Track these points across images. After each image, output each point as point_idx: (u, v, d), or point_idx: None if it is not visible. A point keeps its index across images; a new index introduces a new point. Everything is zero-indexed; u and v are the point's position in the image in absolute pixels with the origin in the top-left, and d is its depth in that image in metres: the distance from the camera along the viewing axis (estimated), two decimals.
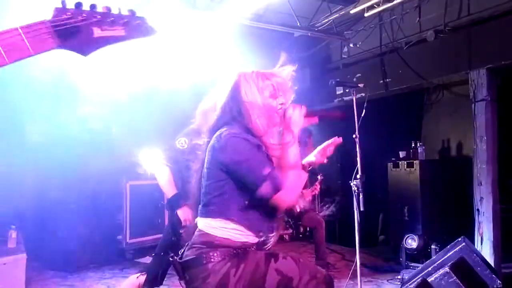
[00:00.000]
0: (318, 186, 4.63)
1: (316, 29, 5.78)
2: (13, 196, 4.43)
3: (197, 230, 1.89)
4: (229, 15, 5.14)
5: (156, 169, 3.28)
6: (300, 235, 6.44)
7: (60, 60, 4.49)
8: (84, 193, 4.89)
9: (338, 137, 2.10)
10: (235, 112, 1.83)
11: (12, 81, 4.48)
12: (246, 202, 1.76)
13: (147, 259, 5.41)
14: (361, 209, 3.12)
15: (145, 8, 4.35)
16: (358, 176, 3.42)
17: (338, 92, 6.09)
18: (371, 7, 5.08)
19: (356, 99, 3.65)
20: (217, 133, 1.82)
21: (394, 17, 5.39)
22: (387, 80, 5.43)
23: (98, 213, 4.95)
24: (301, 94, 6.88)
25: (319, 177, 4.69)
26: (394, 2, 4.81)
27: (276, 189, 1.67)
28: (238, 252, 1.76)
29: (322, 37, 6.11)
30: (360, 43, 5.83)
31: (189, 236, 1.95)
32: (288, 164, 1.75)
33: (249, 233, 1.78)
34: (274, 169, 1.71)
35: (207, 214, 1.83)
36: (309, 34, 5.73)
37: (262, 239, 1.82)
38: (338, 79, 3.74)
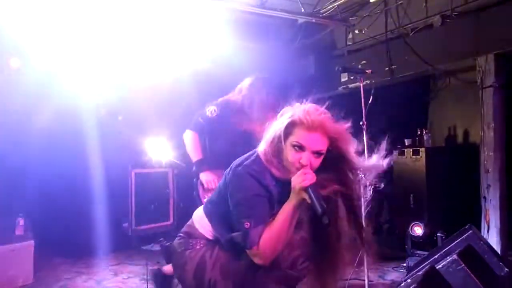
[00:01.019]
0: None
1: (321, 16, 5.71)
2: (20, 184, 4.46)
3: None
4: (231, 1, 5.10)
5: (185, 134, 3.46)
6: None
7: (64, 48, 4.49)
8: (90, 181, 4.90)
9: None
10: (274, 147, 1.82)
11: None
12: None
13: (153, 247, 5.45)
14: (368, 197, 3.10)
15: None
16: None
17: (343, 80, 6.04)
18: None
19: (362, 85, 3.61)
20: (241, 159, 1.88)
21: (400, 2, 5.30)
22: (393, 67, 5.37)
23: (104, 200, 4.97)
24: (306, 82, 6.93)
25: None
26: None
27: (248, 244, 1.69)
28: (214, 240, 1.91)
29: (326, 24, 6.05)
30: (365, 29, 5.75)
31: None
32: (276, 225, 1.71)
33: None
34: (258, 226, 1.70)
35: (204, 209, 1.98)
36: (313, 20, 5.66)
37: None
38: (343, 66, 3.69)
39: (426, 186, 4.74)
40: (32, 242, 3.84)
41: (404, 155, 5.13)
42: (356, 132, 3.52)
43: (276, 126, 1.81)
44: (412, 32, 5.22)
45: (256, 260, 1.71)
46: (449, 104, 5.64)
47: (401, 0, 5.27)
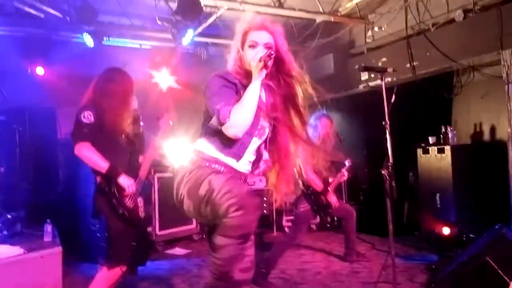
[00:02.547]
0: (346, 173, 4.52)
1: (339, 14, 5.67)
2: (47, 190, 4.54)
3: None
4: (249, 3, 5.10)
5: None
6: (328, 225, 6.40)
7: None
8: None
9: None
10: (237, 59, 2.14)
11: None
12: (217, 128, 2.00)
13: (177, 251, 5.48)
14: (395, 197, 3.05)
15: None
16: (389, 164, 3.35)
17: (363, 78, 5.97)
18: None
19: (384, 84, 3.54)
20: None
21: None
22: (414, 63, 5.28)
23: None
24: (325, 80, 6.86)
25: (346, 163, 4.57)
26: None
27: (219, 122, 1.93)
28: (204, 165, 2.03)
29: (345, 22, 5.99)
30: (385, 26, 5.67)
31: None
32: (243, 100, 1.95)
33: (220, 153, 2.05)
34: (227, 106, 1.92)
35: (199, 136, 2.16)
36: (332, 19, 5.62)
37: (237, 166, 2.08)
38: (363, 64, 3.62)
39: (452, 185, 4.62)
40: (60, 248, 3.89)
41: (428, 153, 5.03)
42: (379, 132, 3.48)
43: (234, 43, 2.14)
44: (433, 28, 5.13)
45: (230, 132, 1.93)
46: (474, 100, 5.50)
47: None
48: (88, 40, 5.44)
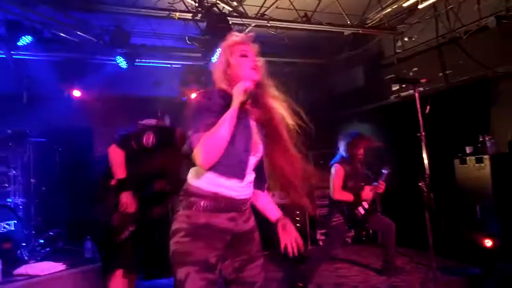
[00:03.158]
0: (384, 184, 4.38)
1: (367, 26, 5.66)
2: (86, 208, 4.67)
3: None
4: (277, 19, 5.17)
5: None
6: (363, 238, 6.30)
7: None
8: None
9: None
10: (224, 70, 2.02)
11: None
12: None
13: None
14: (433, 209, 3.00)
15: None
16: (426, 176, 3.29)
17: (394, 88, 5.90)
18: None
19: (417, 94, 3.51)
20: None
21: (450, 6, 5.15)
22: (447, 72, 5.20)
23: (162, 221, 5.10)
24: (355, 93, 6.82)
25: (384, 171, 4.44)
26: None
27: (189, 149, 1.80)
28: (202, 206, 1.85)
29: (374, 33, 5.98)
30: (415, 36, 5.62)
31: None
32: (215, 128, 1.79)
33: (218, 182, 1.86)
34: (198, 132, 1.78)
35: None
36: (360, 31, 5.62)
37: (235, 193, 1.89)
38: (394, 75, 3.60)
39: (493, 195, 4.47)
40: (100, 264, 3.99)
41: (466, 163, 4.90)
42: (412, 142, 3.43)
43: (219, 60, 2.05)
44: (466, 36, 5.04)
45: (197, 162, 1.78)
46: None
47: (452, 3, 5.13)
48: (121, 62, 5.63)
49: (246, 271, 1.95)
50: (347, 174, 4.22)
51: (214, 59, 2.14)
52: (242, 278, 1.95)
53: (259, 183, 2.06)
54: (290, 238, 1.99)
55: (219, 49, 2.09)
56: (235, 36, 2.09)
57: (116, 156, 2.97)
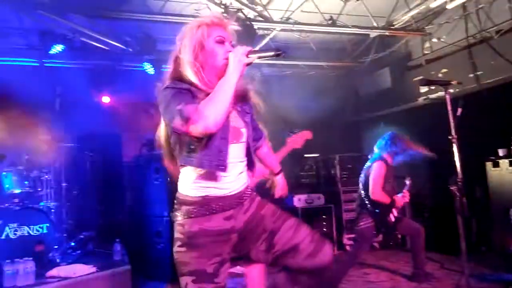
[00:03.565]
0: (408, 194, 4.33)
1: (394, 27, 5.58)
2: (115, 211, 4.77)
3: None
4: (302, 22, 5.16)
5: None
6: (391, 243, 6.18)
7: None
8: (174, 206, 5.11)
9: None
10: (178, 64, 1.83)
11: None
12: (189, 146, 1.75)
13: (238, 269, 5.50)
14: (466, 214, 2.91)
15: None
16: (458, 180, 3.20)
17: (422, 90, 5.79)
18: None
19: (449, 97, 3.42)
20: None
21: (480, 6, 5.03)
22: (478, 73, 5.06)
23: None
24: (383, 95, 6.69)
25: (407, 181, 4.40)
26: None
27: (185, 118, 1.61)
28: (193, 213, 1.76)
29: (401, 35, 5.89)
30: (444, 36, 5.51)
31: None
32: (215, 91, 1.69)
33: (204, 184, 1.77)
34: (190, 104, 1.64)
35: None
36: (387, 33, 5.55)
37: (227, 191, 1.79)
38: (423, 77, 3.53)
39: None
40: (129, 266, 4.06)
41: (499, 166, 4.75)
42: (442, 145, 3.35)
43: (191, 37, 1.80)
44: (497, 35, 4.91)
45: (199, 127, 1.61)
46: None
47: (482, 3, 5.00)
48: (149, 68, 5.73)
49: (277, 245, 1.85)
50: (386, 175, 4.15)
51: (180, 37, 1.84)
52: (279, 252, 1.85)
53: (248, 168, 1.94)
54: (284, 192, 2.39)
55: (190, 26, 1.85)
56: (213, 17, 1.86)
57: None
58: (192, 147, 1.74)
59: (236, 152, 1.83)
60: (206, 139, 1.70)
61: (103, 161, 5.50)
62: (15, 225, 3.98)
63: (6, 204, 4.19)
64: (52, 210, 4.78)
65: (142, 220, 5.12)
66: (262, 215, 1.89)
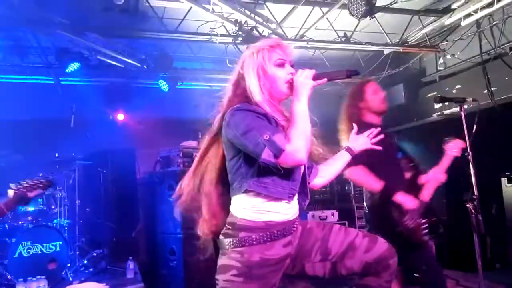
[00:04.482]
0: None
1: (408, 44, 5.58)
2: (128, 228, 4.76)
3: None
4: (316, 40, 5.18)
5: None
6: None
7: None
8: (187, 223, 5.08)
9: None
10: (241, 89, 1.79)
11: None
12: (261, 171, 1.67)
13: None
14: (482, 231, 2.85)
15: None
16: (474, 197, 3.15)
17: (436, 106, 5.75)
18: (468, 15, 4.80)
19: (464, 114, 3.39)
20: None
21: (495, 22, 5.01)
22: (492, 89, 5.02)
23: None
24: (396, 111, 6.62)
25: None
26: (494, 8, 4.49)
27: (278, 150, 1.57)
28: (254, 240, 1.67)
29: (415, 51, 5.88)
30: (458, 53, 5.48)
31: None
32: (292, 121, 1.65)
33: (267, 208, 1.70)
34: (277, 133, 1.60)
35: (232, 192, 1.77)
36: (401, 50, 5.55)
37: (287, 216, 1.73)
38: (438, 94, 3.50)
39: None
40: (142, 285, 4.04)
41: None
42: (457, 161, 3.30)
43: (254, 63, 1.77)
44: (511, 52, 4.88)
45: (297, 157, 1.59)
46: None
47: (496, 20, 4.98)
48: (163, 85, 5.79)
49: (332, 249, 1.81)
50: None
51: (241, 65, 1.82)
52: (337, 255, 1.80)
53: (301, 200, 1.86)
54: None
55: (249, 52, 1.81)
56: (271, 40, 1.85)
57: None
58: (264, 172, 1.68)
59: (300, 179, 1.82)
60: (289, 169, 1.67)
61: (117, 178, 5.51)
62: (29, 243, 4.00)
63: (20, 222, 4.22)
64: (65, 228, 4.80)
65: (155, 238, 5.09)
66: (309, 228, 1.86)
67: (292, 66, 1.82)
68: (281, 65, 1.78)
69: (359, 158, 2.45)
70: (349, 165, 2.48)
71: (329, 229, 1.86)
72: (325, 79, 1.75)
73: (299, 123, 1.63)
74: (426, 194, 3.00)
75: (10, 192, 2.53)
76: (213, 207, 1.80)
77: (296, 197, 1.81)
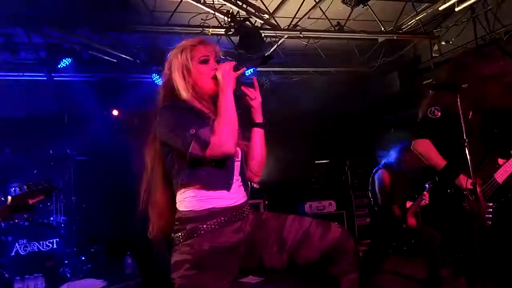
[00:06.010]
0: (427, 196, 4.30)
1: (402, 31, 5.54)
2: (126, 224, 4.74)
3: None
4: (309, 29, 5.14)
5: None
6: (404, 248, 6.08)
7: None
8: None
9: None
10: (171, 89, 1.83)
11: None
12: (194, 164, 1.70)
13: (251, 279, 5.45)
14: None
15: None
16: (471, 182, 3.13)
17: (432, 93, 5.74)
18: (462, 1, 4.76)
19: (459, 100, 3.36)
20: None
21: (489, 7, 4.98)
22: None
23: None
24: (392, 99, 6.61)
25: (427, 185, 4.37)
26: None
27: (204, 144, 1.63)
28: (203, 229, 1.68)
29: (409, 39, 5.85)
30: (452, 39, 5.45)
31: None
32: (218, 114, 1.70)
33: (208, 195, 1.72)
34: (204, 127, 1.66)
35: (174, 189, 1.80)
36: (395, 37, 5.50)
37: (232, 201, 1.75)
38: (432, 81, 3.46)
39: None
40: (139, 280, 4.04)
41: None
42: (454, 149, 3.28)
43: (178, 63, 1.83)
44: (506, 37, 4.85)
45: (223, 149, 1.65)
46: None
47: (490, 4, 4.95)
48: (158, 79, 5.74)
49: (288, 239, 1.79)
50: (392, 182, 4.13)
51: (168, 66, 1.88)
52: (293, 244, 1.79)
53: (244, 188, 1.89)
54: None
55: (173, 53, 1.88)
56: (193, 39, 1.91)
57: None
58: (198, 165, 1.71)
59: (236, 170, 1.84)
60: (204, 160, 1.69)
61: (113, 174, 5.48)
62: (25, 241, 3.98)
63: (16, 220, 4.19)
64: (62, 225, 4.78)
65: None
66: (264, 219, 1.86)
67: (217, 61, 1.87)
68: (205, 61, 1.84)
69: (427, 131, 2.41)
70: (416, 136, 2.45)
71: (284, 219, 1.85)
72: (244, 68, 1.82)
73: (224, 114, 1.69)
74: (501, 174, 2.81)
75: (10, 199, 2.40)
76: (158, 207, 1.84)
77: (240, 183, 1.85)
